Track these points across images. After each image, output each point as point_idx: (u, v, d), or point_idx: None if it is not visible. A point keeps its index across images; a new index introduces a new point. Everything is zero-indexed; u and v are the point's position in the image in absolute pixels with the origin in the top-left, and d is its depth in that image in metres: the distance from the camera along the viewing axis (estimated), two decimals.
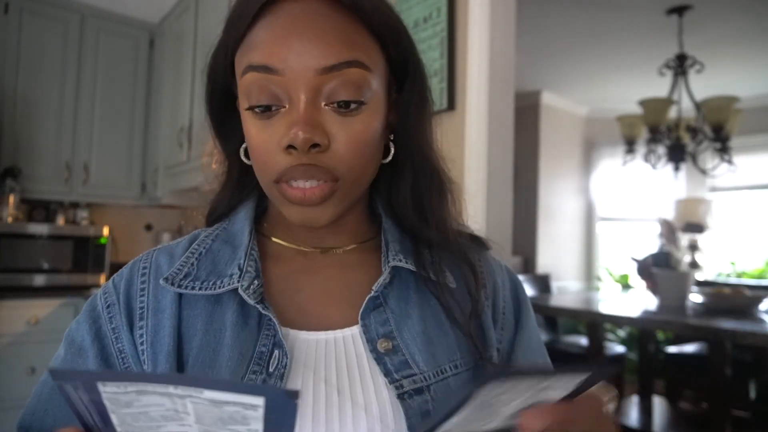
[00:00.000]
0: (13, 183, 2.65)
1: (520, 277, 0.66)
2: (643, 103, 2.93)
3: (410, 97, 0.54)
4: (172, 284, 0.50)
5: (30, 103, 2.75)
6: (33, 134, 2.76)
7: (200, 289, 0.51)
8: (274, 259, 0.55)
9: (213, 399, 0.24)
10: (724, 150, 2.76)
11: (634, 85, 3.86)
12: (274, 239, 0.57)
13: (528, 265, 4.18)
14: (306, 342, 0.50)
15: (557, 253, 4.37)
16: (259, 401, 0.24)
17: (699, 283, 3.16)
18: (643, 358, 2.93)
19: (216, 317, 0.50)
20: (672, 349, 3.05)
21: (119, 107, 3.06)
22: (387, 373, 0.49)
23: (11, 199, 2.64)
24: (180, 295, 0.51)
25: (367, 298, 0.51)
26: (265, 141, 0.47)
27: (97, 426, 0.28)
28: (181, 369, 0.49)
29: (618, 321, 2.53)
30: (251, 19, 0.47)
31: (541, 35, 3.17)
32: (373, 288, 0.51)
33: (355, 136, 0.47)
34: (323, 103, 0.47)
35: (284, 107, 0.47)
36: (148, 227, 3.39)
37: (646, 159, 3.04)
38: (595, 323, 2.52)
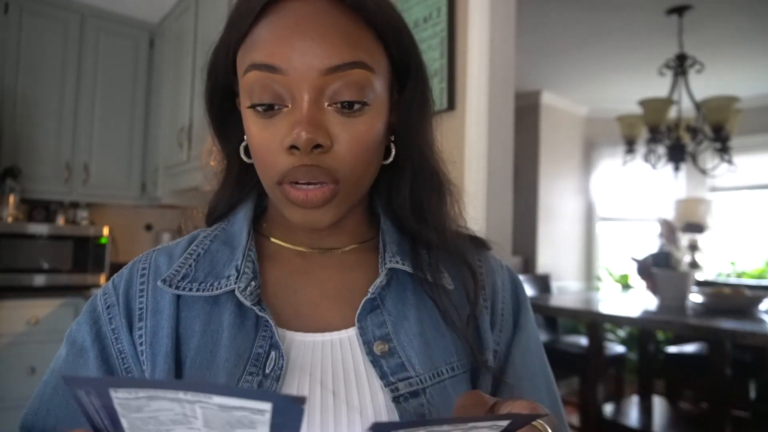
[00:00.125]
0: (13, 183, 2.65)
1: (521, 277, 0.66)
2: (643, 103, 2.93)
3: (412, 97, 0.54)
4: (170, 286, 0.51)
5: (30, 103, 2.75)
6: (33, 134, 2.76)
7: (198, 290, 0.51)
8: (272, 259, 0.55)
9: (222, 404, 0.25)
10: (724, 150, 2.76)
11: (634, 85, 3.86)
12: (272, 239, 0.57)
13: (528, 265, 4.18)
14: (302, 344, 0.50)
15: (557, 253, 4.37)
16: (267, 406, 0.25)
17: (699, 283, 3.16)
18: (643, 358, 2.93)
19: (213, 318, 0.50)
20: (672, 349, 3.05)
21: (119, 107, 3.06)
22: (383, 376, 0.49)
23: (11, 199, 2.64)
24: (178, 296, 0.51)
25: (363, 300, 0.51)
26: (266, 140, 0.47)
27: (106, 428, 0.28)
28: (179, 370, 0.49)
29: (618, 321, 2.53)
30: (254, 18, 0.47)
31: (541, 35, 3.17)
32: (370, 290, 0.51)
33: (357, 137, 0.47)
34: (326, 104, 0.46)
35: (287, 107, 0.47)
36: (148, 227, 3.39)
37: (646, 159, 3.04)
38: (595, 323, 2.52)
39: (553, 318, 3.39)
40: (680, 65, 2.92)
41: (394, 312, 0.52)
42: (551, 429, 0.35)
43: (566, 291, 4.23)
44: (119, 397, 0.25)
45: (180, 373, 0.49)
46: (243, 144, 0.54)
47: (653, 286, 2.64)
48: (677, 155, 2.93)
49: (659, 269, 2.58)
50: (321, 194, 0.47)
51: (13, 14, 2.70)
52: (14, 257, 2.55)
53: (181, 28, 2.77)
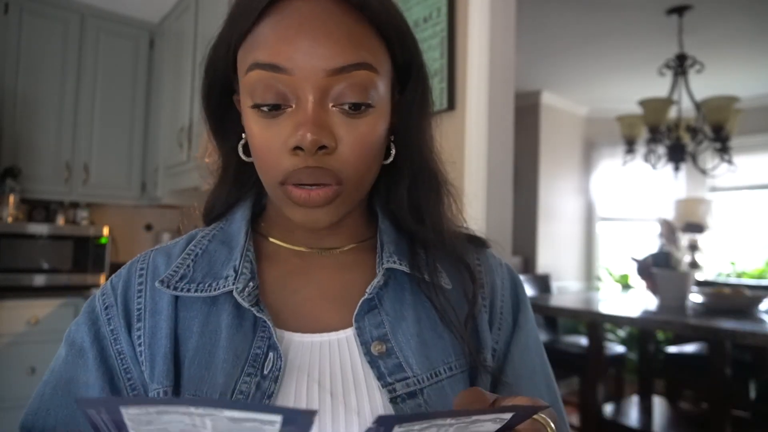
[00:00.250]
0: (13, 183, 2.65)
1: (521, 277, 0.66)
2: (643, 103, 2.93)
3: (412, 98, 0.53)
4: (168, 287, 0.50)
5: (30, 103, 2.75)
6: (33, 134, 2.76)
7: (196, 291, 0.51)
8: (270, 259, 0.55)
9: (232, 417, 0.25)
10: (724, 150, 2.76)
11: (634, 85, 3.86)
12: (271, 239, 0.57)
13: (528, 265, 4.18)
14: (300, 344, 0.50)
15: (557, 253, 4.37)
16: (277, 418, 0.25)
17: (699, 283, 3.16)
18: (643, 358, 2.93)
19: (212, 319, 0.50)
20: (672, 349, 3.05)
21: (119, 107, 3.06)
22: (380, 377, 0.48)
23: (11, 199, 2.64)
24: (176, 296, 0.51)
25: (361, 301, 0.51)
26: (269, 140, 0.47)
27: None
28: (177, 370, 0.49)
29: (618, 321, 2.53)
30: (257, 15, 0.46)
31: (541, 35, 3.17)
32: (368, 290, 0.51)
33: (361, 138, 0.47)
34: (331, 105, 0.46)
35: (290, 107, 0.46)
36: (148, 227, 3.39)
37: (646, 159, 3.04)
38: (595, 323, 2.52)
39: (553, 318, 3.39)
40: (680, 65, 2.92)
41: (392, 312, 0.52)
42: (552, 422, 0.35)
43: (566, 291, 4.23)
44: (130, 413, 0.26)
45: (178, 374, 0.49)
46: (241, 142, 0.54)
47: (653, 286, 2.64)
48: (677, 155, 2.93)
49: (659, 269, 2.58)
50: (324, 194, 0.47)
51: (13, 14, 2.70)
52: (14, 257, 2.55)
53: (181, 28, 2.77)
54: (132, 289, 0.53)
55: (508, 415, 0.31)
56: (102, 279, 2.78)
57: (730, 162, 2.78)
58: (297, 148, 0.45)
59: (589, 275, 4.66)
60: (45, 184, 2.81)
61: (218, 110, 0.55)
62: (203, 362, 0.48)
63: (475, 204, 1.45)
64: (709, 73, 3.26)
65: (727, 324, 2.01)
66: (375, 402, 0.48)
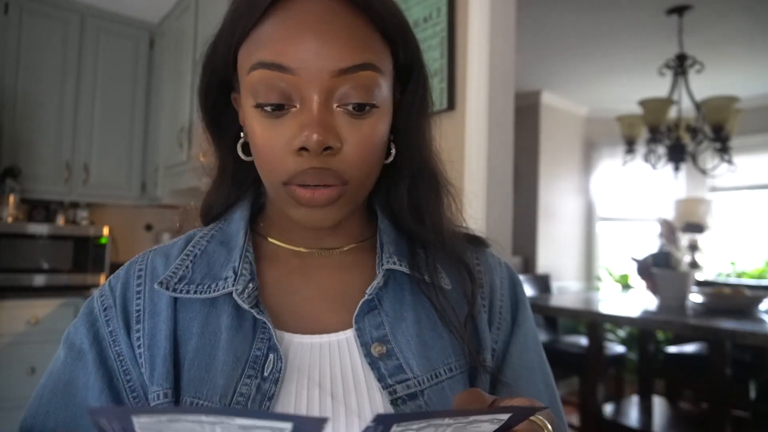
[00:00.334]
0: (13, 183, 2.65)
1: (521, 277, 0.66)
2: (643, 103, 2.93)
3: (413, 98, 0.53)
4: (167, 288, 0.50)
5: (30, 103, 2.75)
6: (33, 134, 2.76)
7: (195, 292, 0.50)
8: (269, 259, 0.55)
9: (243, 425, 0.25)
10: (724, 150, 2.76)
11: (634, 85, 3.86)
12: (270, 239, 0.56)
13: (528, 265, 4.18)
14: (300, 346, 0.50)
15: (557, 253, 4.37)
16: (287, 426, 0.25)
17: (699, 283, 3.16)
18: (643, 358, 2.93)
19: (211, 320, 0.50)
20: (672, 349, 3.05)
21: (119, 107, 3.06)
22: (380, 378, 0.48)
23: (11, 199, 2.64)
24: (175, 298, 0.51)
25: (361, 302, 0.51)
26: (272, 140, 0.46)
27: None
28: (177, 372, 0.48)
29: (618, 321, 2.53)
30: (261, 13, 0.45)
31: (541, 35, 3.16)
32: (367, 291, 0.51)
33: (365, 139, 0.47)
34: (335, 105, 0.46)
35: (294, 107, 0.46)
36: (148, 227, 3.39)
37: (646, 159, 3.04)
38: (595, 323, 2.52)
39: (553, 318, 3.39)
40: (680, 65, 2.92)
41: (392, 313, 0.52)
42: (549, 423, 0.35)
43: (566, 291, 4.23)
44: (141, 421, 0.26)
45: (178, 375, 0.49)
46: (240, 141, 0.54)
47: (653, 286, 2.64)
48: (677, 155, 2.93)
49: (659, 269, 2.58)
50: (328, 194, 0.46)
51: (13, 14, 2.70)
52: (14, 257, 2.55)
53: (181, 28, 2.77)
54: (131, 290, 0.53)
55: (505, 416, 0.31)
56: (102, 279, 2.78)
57: (730, 162, 2.78)
58: (302, 149, 0.45)
59: (589, 275, 4.66)
60: (45, 184, 2.81)
61: (215, 109, 0.55)
62: (203, 364, 0.48)
63: (475, 204, 1.45)
64: (709, 73, 3.26)
65: (727, 324, 2.01)
66: (375, 404, 0.48)
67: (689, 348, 3.02)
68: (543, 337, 3.29)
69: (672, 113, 2.97)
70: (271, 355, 0.48)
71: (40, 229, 2.63)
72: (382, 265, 0.52)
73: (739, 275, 4.10)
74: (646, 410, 2.74)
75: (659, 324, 2.34)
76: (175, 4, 2.88)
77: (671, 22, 2.88)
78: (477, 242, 0.61)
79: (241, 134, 0.54)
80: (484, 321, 0.55)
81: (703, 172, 3.02)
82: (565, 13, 2.87)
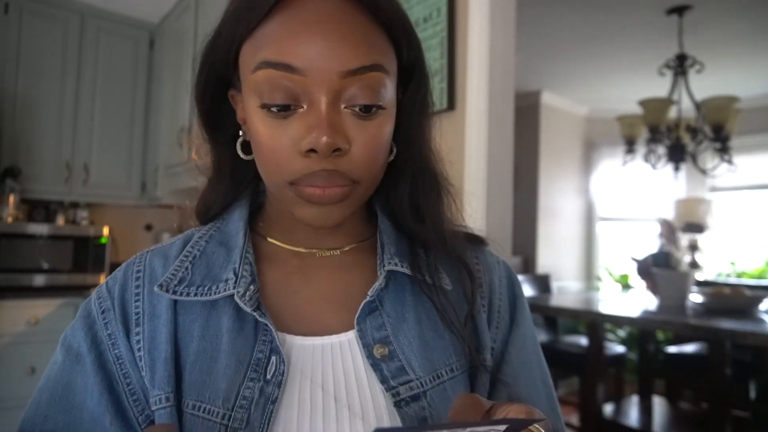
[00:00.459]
0: (13, 183, 2.65)
1: (521, 277, 0.66)
2: (643, 103, 2.93)
3: (414, 98, 0.53)
4: (167, 291, 0.49)
5: (30, 103, 2.75)
6: (33, 134, 2.76)
7: (195, 295, 0.50)
8: (269, 260, 0.54)
9: None
10: (724, 150, 2.76)
11: (634, 85, 3.86)
12: (269, 239, 0.56)
13: (528, 265, 4.18)
14: (302, 348, 0.49)
15: (557, 253, 4.37)
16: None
17: (699, 283, 3.16)
18: (643, 358, 2.93)
19: (212, 322, 0.49)
20: (672, 349, 3.05)
21: (119, 107, 3.06)
22: (383, 380, 0.48)
23: (11, 199, 2.64)
24: (175, 300, 0.50)
25: (363, 303, 0.50)
26: (278, 141, 0.45)
27: None
28: (178, 375, 0.48)
29: (618, 321, 2.53)
30: (267, 11, 0.44)
31: (541, 35, 3.16)
32: (369, 293, 0.51)
33: (372, 140, 0.46)
34: (343, 106, 0.45)
35: (301, 107, 0.45)
36: (148, 227, 3.39)
37: (646, 159, 3.04)
38: (595, 323, 2.52)
39: (553, 318, 3.39)
40: (680, 65, 2.92)
41: (393, 314, 0.51)
42: None
43: (566, 291, 4.23)
44: None
45: (179, 379, 0.48)
46: (240, 140, 0.53)
47: (653, 286, 2.64)
48: (677, 155, 2.93)
49: (659, 269, 2.58)
50: (339, 192, 0.46)
51: (13, 14, 2.70)
52: (14, 257, 2.55)
53: (181, 28, 2.77)
54: (129, 292, 0.52)
55: (502, 427, 0.31)
56: (102, 279, 2.78)
57: (730, 162, 2.78)
58: (311, 150, 0.44)
59: (589, 275, 4.66)
60: (45, 184, 2.81)
61: (212, 106, 0.54)
62: (204, 367, 0.48)
63: (475, 204, 1.45)
64: (709, 73, 3.26)
65: (727, 324, 2.01)
66: (379, 406, 0.48)
67: (689, 348, 3.02)
68: (543, 337, 3.29)
69: (672, 113, 2.97)
70: (273, 358, 0.48)
71: (40, 229, 2.63)
72: (384, 266, 0.52)
73: (739, 275, 4.10)
74: (646, 410, 2.74)
75: (659, 324, 2.34)
76: (175, 4, 2.88)
77: (671, 22, 2.88)
78: (476, 241, 0.61)
79: (240, 132, 0.53)
80: (483, 320, 0.55)
81: (703, 172, 3.02)
82: (565, 13, 2.87)
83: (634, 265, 2.80)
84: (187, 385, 0.48)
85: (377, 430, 0.27)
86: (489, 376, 0.54)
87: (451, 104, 1.54)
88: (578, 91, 4.21)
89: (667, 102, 2.89)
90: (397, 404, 0.47)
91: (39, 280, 2.61)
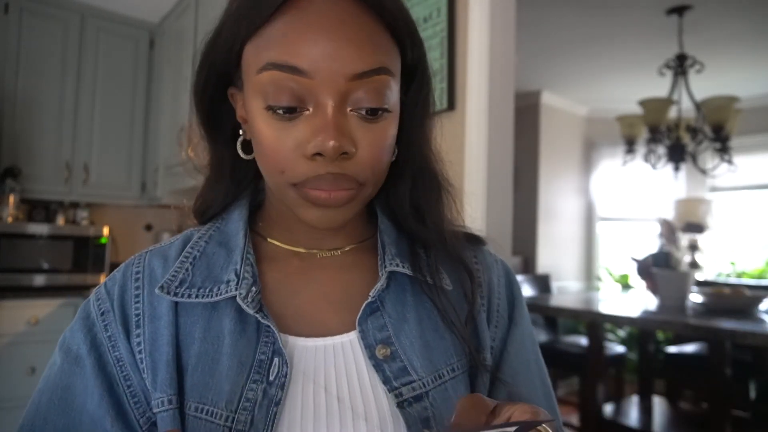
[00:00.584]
0: (13, 183, 2.65)
1: (521, 277, 0.66)
2: (643, 103, 2.93)
3: (417, 99, 0.53)
4: (168, 293, 0.49)
5: (30, 103, 2.75)
6: (33, 134, 2.76)
7: (197, 296, 0.49)
8: (269, 260, 0.54)
9: None
10: (724, 150, 2.76)
11: (634, 85, 3.86)
12: (269, 240, 0.56)
13: (528, 265, 4.18)
14: (305, 349, 0.49)
15: (557, 253, 4.37)
16: None
17: (699, 283, 3.16)
18: (643, 358, 2.93)
19: (213, 324, 0.49)
20: (672, 349, 3.05)
21: (119, 107, 3.06)
22: (386, 381, 0.48)
23: (11, 199, 2.64)
24: (176, 301, 0.50)
25: (364, 304, 0.50)
26: (283, 143, 0.45)
27: None
28: (180, 377, 0.48)
29: (618, 321, 2.53)
30: (272, 11, 0.44)
31: (541, 35, 3.16)
32: (371, 294, 0.51)
33: (377, 142, 0.46)
34: (349, 109, 0.45)
35: (307, 110, 0.44)
36: (148, 227, 3.39)
37: (646, 159, 3.04)
38: (595, 323, 2.52)
39: (553, 318, 3.39)
40: (680, 65, 2.92)
41: (394, 314, 0.51)
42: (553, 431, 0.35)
43: (566, 291, 4.23)
44: None
45: (181, 381, 0.48)
46: (240, 139, 0.52)
47: (653, 286, 2.64)
48: (677, 155, 2.93)
49: (659, 269, 2.58)
50: (345, 195, 0.46)
51: (13, 14, 2.70)
52: (14, 257, 2.55)
53: (181, 28, 2.77)
54: (128, 293, 0.51)
55: (512, 429, 0.32)
56: (102, 279, 2.78)
57: (730, 162, 2.78)
58: (317, 154, 0.44)
59: (589, 275, 4.66)
60: (45, 184, 2.81)
61: (212, 103, 0.53)
62: (207, 369, 0.47)
63: (475, 204, 1.45)
64: (709, 73, 3.25)
65: (727, 324, 2.01)
66: (382, 407, 0.48)
67: (689, 348, 3.02)
68: (543, 337, 3.29)
69: (672, 113, 2.97)
70: (275, 360, 0.47)
71: (40, 229, 2.63)
72: (385, 267, 0.52)
73: (739, 275, 4.10)
74: (646, 410, 2.74)
75: (659, 324, 2.34)
76: (175, 4, 2.88)
77: (671, 22, 2.87)
78: (474, 241, 0.61)
79: (240, 131, 0.53)
80: (483, 320, 0.56)
81: (703, 172, 3.02)
82: (565, 13, 2.87)
83: (634, 265, 2.80)
84: (189, 388, 0.47)
85: None
86: (489, 375, 0.54)
87: (451, 104, 1.54)
88: (578, 91, 4.21)
89: (667, 102, 2.89)
90: (400, 405, 0.47)
91: (39, 280, 2.61)
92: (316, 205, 0.46)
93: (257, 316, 0.48)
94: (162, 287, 0.49)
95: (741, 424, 2.42)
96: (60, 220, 2.89)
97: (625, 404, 2.86)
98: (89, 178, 2.93)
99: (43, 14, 2.79)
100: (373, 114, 0.45)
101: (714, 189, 4.31)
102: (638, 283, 3.61)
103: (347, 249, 0.56)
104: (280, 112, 0.44)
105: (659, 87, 3.28)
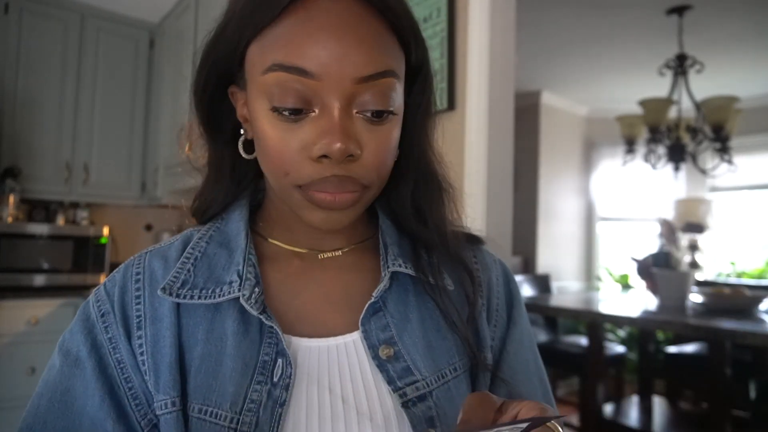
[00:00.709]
0: (13, 183, 2.65)
1: (521, 277, 0.66)
2: (643, 103, 2.93)
3: (419, 100, 0.53)
4: (170, 294, 0.49)
5: (30, 103, 2.75)
6: (33, 134, 2.76)
7: (199, 297, 0.49)
8: (270, 261, 0.54)
9: None
10: (724, 150, 2.76)
11: (634, 85, 3.86)
12: (270, 240, 0.55)
13: (528, 265, 4.18)
14: (308, 349, 0.49)
15: (557, 253, 4.37)
16: None
17: (699, 283, 3.16)
18: (643, 358, 2.93)
19: (216, 325, 0.49)
20: (672, 349, 3.05)
21: (119, 107, 3.06)
22: (390, 381, 0.48)
23: (11, 199, 2.64)
24: (178, 303, 0.50)
25: (367, 304, 0.50)
26: (288, 145, 0.45)
27: None
28: (183, 379, 0.48)
29: (618, 321, 2.53)
30: (279, 12, 0.43)
31: (541, 35, 3.16)
32: (374, 294, 0.51)
33: (382, 145, 0.46)
34: (355, 111, 0.45)
35: (313, 112, 0.44)
36: (148, 227, 3.39)
37: (646, 159, 3.04)
38: (595, 323, 2.52)
39: (553, 318, 3.39)
40: (680, 65, 2.92)
41: (397, 315, 0.52)
42: (559, 426, 0.36)
43: (566, 291, 4.23)
44: None
45: (184, 383, 0.48)
46: (241, 139, 0.52)
47: (653, 286, 2.64)
48: (677, 155, 2.93)
49: (659, 269, 2.58)
50: (350, 198, 0.46)
51: (13, 14, 2.70)
52: (14, 257, 2.55)
53: (181, 28, 2.77)
54: (129, 295, 0.51)
55: (524, 425, 0.33)
56: (102, 279, 2.78)
57: (730, 162, 2.78)
58: (323, 156, 0.44)
59: (589, 275, 4.66)
60: (45, 184, 2.81)
61: (212, 102, 0.53)
62: (210, 371, 0.47)
63: (475, 204, 1.45)
64: (709, 73, 3.25)
65: (727, 324, 2.01)
66: (386, 407, 0.48)
67: (689, 348, 3.02)
68: (543, 337, 3.29)
69: (672, 113, 2.97)
70: (279, 361, 0.47)
71: (40, 229, 2.63)
72: (388, 267, 0.52)
73: (739, 275, 4.10)
74: (646, 410, 2.74)
75: (659, 324, 2.34)
76: (175, 4, 2.88)
77: (671, 22, 2.87)
78: (473, 240, 0.61)
79: (241, 131, 0.52)
80: (484, 320, 0.56)
81: (703, 172, 3.02)
82: (565, 13, 2.87)
83: (634, 265, 2.80)
84: (192, 389, 0.47)
85: None
86: (489, 374, 0.54)
87: (451, 104, 1.54)
88: (578, 91, 4.21)
89: (667, 102, 2.89)
90: (405, 405, 0.48)
91: (39, 280, 2.61)
92: (320, 207, 0.46)
93: (261, 317, 0.48)
94: (164, 288, 0.49)
95: (741, 424, 2.42)
96: (60, 220, 2.89)
97: (625, 404, 2.86)
98: (89, 178, 2.93)
99: (43, 14, 2.79)
100: (379, 116, 0.45)
101: (714, 189, 4.31)
102: (638, 283, 3.61)
103: (348, 249, 0.56)
104: (286, 113, 0.44)
105: (659, 87, 3.28)
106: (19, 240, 2.57)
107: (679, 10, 2.78)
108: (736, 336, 1.91)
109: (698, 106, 2.85)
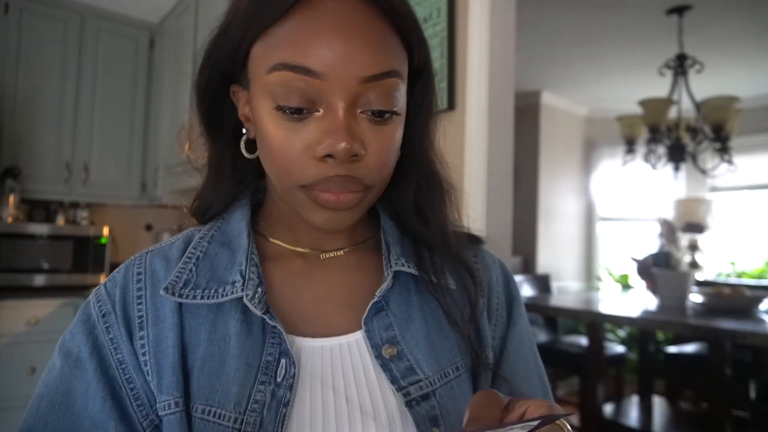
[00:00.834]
0: (13, 183, 2.65)
1: (521, 277, 0.67)
2: (643, 103, 2.93)
3: (421, 100, 0.53)
4: (173, 294, 0.49)
5: (30, 102, 2.75)
6: (33, 134, 2.76)
7: (202, 297, 0.49)
8: (272, 260, 0.54)
9: None
10: (724, 150, 2.76)
11: (634, 85, 3.86)
12: (272, 240, 0.55)
13: (528, 265, 4.18)
14: (311, 349, 0.49)
15: (557, 253, 4.37)
16: None
17: (699, 283, 3.16)
18: (643, 358, 2.93)
19: (219, 325, 0.49)
20: (672, 349, 3.05)
21: (119, 107, 3.06)
22: (393, 380, 0.48)
23: (11, 199, 2.64)
24: (180, 303, 0.50)
25: (370, 303, 0.50)
26: (292, 144, 0.45)
27: None
28: (186, 379, 0.48)
29: (618, 321, 2.53)
30: (284, 11, 0.43)
31: (541, 35, 3.16)
32: (377, 293, 0.51)
33: (385, 145, 0.46)
34: (359, 111, 0.45)
35: (317, 111, 0.44)
36: (148, 227, 3.39)
37: (646, 159, 3.04)
38: (595, 323, 2.52)
39: (553, 318, 3.39)
40: (680, 65, 2.92)
41: (399, 314, 0.52)
42: (567, 423, 0.36)
43: (566, 291, 4.23)
44: None
45: (187, 383, 0.48)
46: (244, 138, 0.52)
47: (653, 286, 2.64)
48: (677, 155, 2.93)
49: (659, 269, 2.58)
50: (354, 198, 0.46)
51: (13, 14, 2.70)
52: (14, 257, 2.55)
53: (181, 28, 2.77)
54: (130, 295, 0.51)
55: (534, 423, 0.33)
56: (102, 279, 2.78)
57: (730, 162, 2.78)
58: (327, 156, 0.44)
59: (589, 275, 4.66)
60: (45, 184, 2.80)
61: (213, 101, 0.52)
62: (213, 371, 0.47)
63: (475, 204, 1.45)
64: (709, 73, 3.25)
65: (727, 324, 2.01)
66: (390, 406, 0.48)
67: (689, 348, 3.02)
68: (543, 337, 3.30)
69: (672, 113, 2.97)
70: (283, 360, 0.47)
71: (40, 229, 2.63)
72: (391, 266, 0.52)
73: (739, 275, 4.10)
74: (646, 410, 2.74)
75: (659, 324, 2.34)
76: (175, 4, 2.88)
77: (671, 22, 2.87)
78: (473, 240, 0.61)
79: (243, 130, 0.52)
80: (485, 319, 0.56)
81: (703, 172, 3.02)
82: (565, 13, 2.87)
83: (634, 265, 2.80)
84: (195, 390, 0.47)
85: None
86: (490, 373, 0.55)
87: (451, 104, 1.54)
88: (578, 91, 4.21)
89: (667, 102, 2.89)
90: (408, 404, 0.48)
91: (39, 280, 2.61)
92: (324, 207, 0.46)
93: (265, 317, 0.48)
94: (167, 288, 0.49)
95: (741, 424, 2.42)
96: (60, 220, 2.89)
97: (625, 404, 2.86)
98: (89, 178, 2.93)
99: (43, 14, 2.79)
100: (382, 116, 0.45)
101: (714, 189, 4.31)
102: (638, 283, 3.61)
103: (349, 249, 0.56)
104: (290, 112, 0.44)
105: (659, 87, 3.28)
106: (19, 240, 2.57)
107: (679, 10, 2.78)
108: (736, 336, 1.91)
109: (698, 106, 2.85)
